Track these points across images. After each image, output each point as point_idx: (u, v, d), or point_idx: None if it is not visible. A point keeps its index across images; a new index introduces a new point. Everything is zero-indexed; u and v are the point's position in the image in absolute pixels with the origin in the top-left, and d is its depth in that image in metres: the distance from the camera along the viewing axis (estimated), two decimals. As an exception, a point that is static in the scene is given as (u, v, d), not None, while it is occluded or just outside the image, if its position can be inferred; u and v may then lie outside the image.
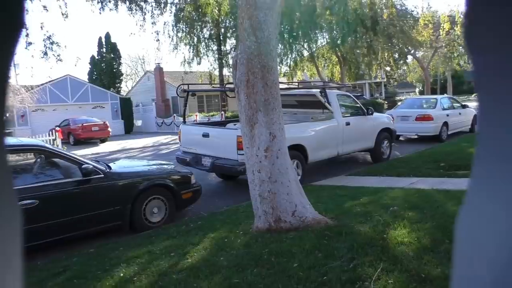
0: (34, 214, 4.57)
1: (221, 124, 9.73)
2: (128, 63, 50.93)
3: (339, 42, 21.26)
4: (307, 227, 4.15)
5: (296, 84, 10.68)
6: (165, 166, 6.70)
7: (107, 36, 36.70)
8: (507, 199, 0.39)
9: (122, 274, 3.46)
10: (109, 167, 5.64)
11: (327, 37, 22.69)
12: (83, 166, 5.11)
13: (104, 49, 36.91)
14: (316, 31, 21.57)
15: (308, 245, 3.58)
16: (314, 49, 24.66)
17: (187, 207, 6.25)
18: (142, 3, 9.66)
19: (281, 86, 9.91)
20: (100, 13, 8.96)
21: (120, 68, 38.57)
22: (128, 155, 15.30)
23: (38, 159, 5.44)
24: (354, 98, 9.96)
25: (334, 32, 20.27)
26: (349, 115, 8.98)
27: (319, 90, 8.57)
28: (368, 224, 4.13)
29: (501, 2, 0.38)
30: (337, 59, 25.99)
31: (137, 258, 3.86)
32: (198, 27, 22.21)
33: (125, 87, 43.01)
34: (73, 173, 5.15)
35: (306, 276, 2.98)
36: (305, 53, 24.61)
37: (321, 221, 4.29)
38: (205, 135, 7.73)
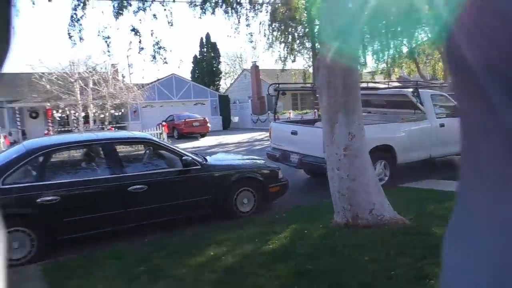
0: (143, 198, 5.35)
1: (310, 122, 10.01)
2: (227, 61, 53.30)
3: (440, 36, 20.03)
4: (384, 225, 4.28)
5: (387, 83, 10.51)
6: (256, 161, 7.18)
7: (207, 36, 38.94)
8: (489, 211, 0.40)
9: (212, 253, 3.99)
10: (206, 160, 6.28)
11: (428, 31, 21.50)
12: (183, 157, 5.80)
13: (205, 49, 39.26)
14: (416, 26, 20.59)
15: (382, 242, 3.75)
16: (413, 45, 23.54)
17: (274, 200, 6.66)
18: (237, 7, 10.32)
19: (371, 85, 9.85)
20: (200, 17, 9.78)
21: (219, 66, 40.71)
22: (224, 150, 16.31)
23: (147, 150, 6.30)
24: (452, 98, 9.52)
25: (436, 26, 19.16)
26: (444, 116, 8.64)
27: (411, 90, 8.40)
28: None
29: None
30: (439, 55, 24.47)
31: (226, 241, 4.37)
32: (292, 25, 22.59)
33: (224, 84, 45.23)
34: (175, 164, 5.87)
35: (374, 269, 3.18)
36: (404, 50, 23.60)
37: (399, 221, 4.39)
38: (294, 133, 8.09)
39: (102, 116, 22.43)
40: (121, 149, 6.14)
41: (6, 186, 4.72)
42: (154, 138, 6.54)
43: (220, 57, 40.87)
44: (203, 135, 23.06)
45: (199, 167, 5.90)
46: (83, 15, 6.78)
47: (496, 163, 0.40)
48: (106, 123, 22.43)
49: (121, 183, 5.31)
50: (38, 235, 4.77)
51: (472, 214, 0.43)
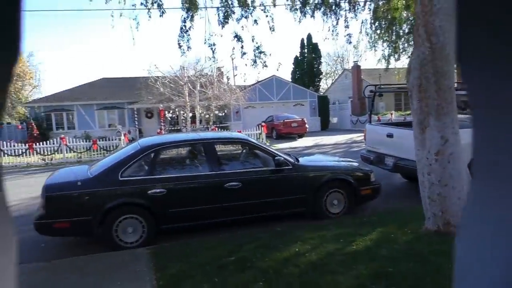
0: (237, 194, 5.76)
1: (407, 124, 9.64)
2: (328, 61, 52.85)
3: None
4: (479, 234, 4.06)
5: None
6: (349, 163, 7.19)
7: (309, 37, 39.08)
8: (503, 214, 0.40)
9: (297, 249, 4.20)
10: (297, 160, 6.50)
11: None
12: (275, 157, 6.09)
13: (306, 50, 39.47)
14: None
15: (473, 251, 3.59)
16: None
17: (365, 202, 6.63)
18: (336, 8, 10.34)
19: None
20: (299, 21, 10.01)
21: (319, 67, 40.61)
22: (321, 151, 16.35)
23: (243, 150, 6.73)
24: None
25: None
26: None
27: None
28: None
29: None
30: None
31: (312, 239, 4.55)
32: (396, 23, 21.69)
33: (324, 85, 44.97)
34: (268, 163, 6.19)
35: (460, 277, 3.08)
36: None
37: (497, 230, 4.12)
38: (389, 135, 7.90)
39: (207, 116, 24.00)
40: (220, 148, 6.66)
41: (124, 179, 5.46)
42: (250, 138, 6.95)
43: (321, 58, 40.77)
44: (301, 136, 23.32)
45: (291, 167, 6.14)
46: (190, 26, 7.46)
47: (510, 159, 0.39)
48: (211, 123, 23.94)
49: (218, 180, 5.78)
50: (148, 223, 5.44)
51: (486, 211, 0.42)
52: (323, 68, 43.12)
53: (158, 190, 5.49)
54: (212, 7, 8.79)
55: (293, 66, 40.58)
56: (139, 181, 5.55)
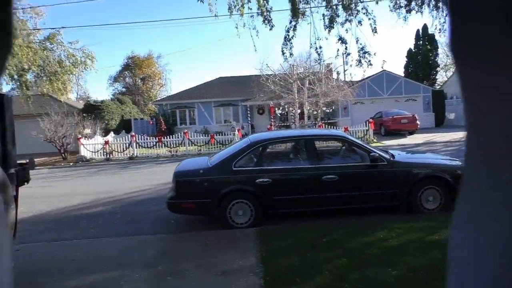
0: (334, 186, 6.38)
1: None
2: (447, 52, 49.19)
3: None
4: None
5: None
6: (448, 161, 7.26)
7: (424, 27, 36.97)
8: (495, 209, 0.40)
9: (382, 236, 4.71)
10: (393, 157, 6.85)
11: None
12: (371, 154, 6.55)
13: (421, 42, 37.48)
14: None
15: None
16: None
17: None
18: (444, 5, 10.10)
19: None
20: (404, 20, 10.04)
21: (436, 59, 38.24)
22: (431, 149, 15.86)
23: (341, 146, 7.30)
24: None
25: None
26: None
27: None
28: None
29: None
30: None
31: (398, 229, 5.00)
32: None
33: (442, 78, 42.15)
34: (364, 159, 6.67)
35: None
36: None
37: None
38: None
39: (315, 113, 24.66)
40: (320, 144, 7.33)
41: (236, 169, 6.47)
42: (347, 135, 7.46)
43: (438, 49, 38.33)
44: (411, 133, 22.56)
45: (385, 163, 6.54)
46: (293, 35, 8.20)
47: (504, 152, 0.39)
48: (318, 119, 24.54)
49: (317, 173, 6.46)
50: (255, 207, 6.36)
51: (479, 204, 0.42)
52: (442, 59, 40.39)
53: (264, 180, 6.37)
54: (317, 5, 9.32)
55: (406, 59, 38.88)
56: (249, 171, 6.50)
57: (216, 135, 20.80)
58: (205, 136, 21.37)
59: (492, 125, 0.40)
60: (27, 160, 4.68)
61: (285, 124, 26.74)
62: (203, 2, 7.36)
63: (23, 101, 18.70)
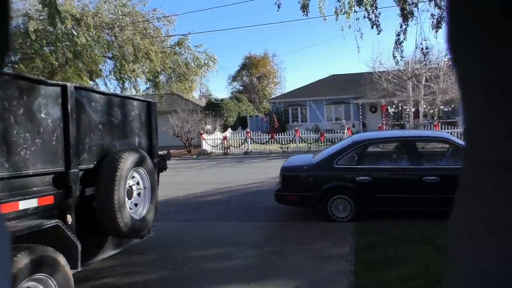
0: (434, 188, 6.49)
1: None
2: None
3: None
4: None
5: None
6: None
7: None
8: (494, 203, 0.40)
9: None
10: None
11: None
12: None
13: None
14: None
15: None
16: None
17: None
18: None
19: None
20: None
21: None
22: None
23: (444, 148, 7.32)
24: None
25: None
26: None
27: None
28: None
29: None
30: None
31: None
32: None
33: None
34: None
35: None
36: None
37: None
38: None
39: (431, 111, 23.47)
40: (422, 145, 7.44)
41: (338, 166, 6.98)
42: (451, 137, 7.39)
43: None
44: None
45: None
46: (404, 39, 8.32)
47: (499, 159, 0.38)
48: (435, 118, 23.31)
49: (417, 173, 6.64)
50: (355, 203, 6.80)
51: (477, 206, 0.43)
52: None
53: (364, 178, 6.78)
54: (425, 6, 9.22)
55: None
56: (350, 169, 6.96)
57: (326, 133, 21.24)
58: (315, 134, 21.97)
59: (491, 124, 0.39)
60: (165, 152, 5.87)
61: (399, 123, 25.92)
62: (307, 15, 7.94)
63: (157, 99, 21.44)
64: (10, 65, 19.01)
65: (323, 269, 4.61)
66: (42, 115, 3.20)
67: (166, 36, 20.89)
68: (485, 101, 0.41)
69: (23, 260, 2.60)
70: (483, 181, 0.44)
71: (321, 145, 20.01)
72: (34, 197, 3.07)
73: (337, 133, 21.14)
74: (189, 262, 5.04)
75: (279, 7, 7.80)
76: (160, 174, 5.50)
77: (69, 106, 3.44)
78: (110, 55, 19.29)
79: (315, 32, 75.05)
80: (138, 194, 4.39)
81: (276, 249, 5.39)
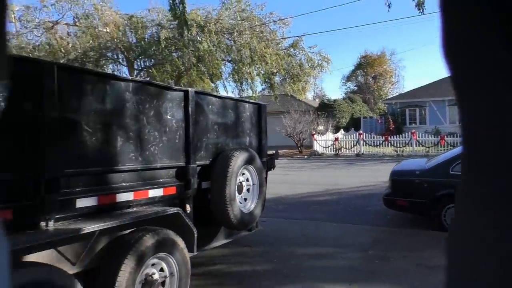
0: None
1: None
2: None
3: None
4: None
5: None
6: None
7: None
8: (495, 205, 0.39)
9: None
10: None
11: None
12: None
13: None
14: None
15: None
16: None
17: None
18: None
19: None
20: None
21: None
22: None
23: None
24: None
25: None
26: None
27: None
28: None
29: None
30: None
31: None
32: None
33: None
34: None
35: None
36: None
37: None
38: None
39: None
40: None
41: (454, 173, 6.53)
42: None
43: None
44: None
45: None
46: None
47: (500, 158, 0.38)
48: None
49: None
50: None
51: (478, 210, 0.41)
52: None
53: None
54: None
55: None
56: (456, 176, 6.46)
57: (447, 137, 19.70)
58: (435, 137, 20.52)
59: (489, 131, 0.39)
60: (274, 152, 6.18)
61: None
62: (422, 13, 7.54)
63: (272, 100, 22.20)
64: (144, 69, 21.51)
65: (429, 278, 4.42)
66: (168, 116, 3.70)
67: (282, 38, 21.47)
68: (484, 107, 0.40)
69: (150, 240, 3.06)
70: (485, 189, 0.42)
71: (440, 149, 18.64)
72: (160, 187, 3.57)
73: (459, 137, 19.41)
74: (294, 258, 5.25)
75: (389, 7, 7.58)
76: (270, 172, 5.81)
77: (190, 109, 3.90)
78: (229, 59, 20.55)
79: (435, 28, 69.58)
80: (247, 190, 4.74)
81: (382, 253, 5.30)
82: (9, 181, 2.37)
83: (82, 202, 2.82)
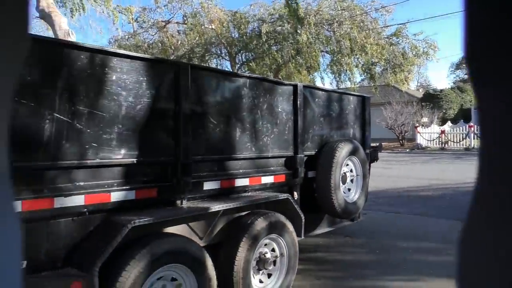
0: None
1: None
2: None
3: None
4: None
5: None
6: None
7: None
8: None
9: None
10: None
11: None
12: None
13: None
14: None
15: None
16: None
17: None
18: None
19: None
20: None
21: None
22: None
23: None
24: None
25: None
26: None
27: None
28: None
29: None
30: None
31: None
32: None
33: None
34: None
35: None
36: None
37: None
38: None
39: None
40: None
41: None
42: None
43: None
44: None
45: None
46: None
47: None
48: None
49: None
50: None
51: (491, 213, 0.41)
52: None
53: None
54: None
55: None
56: None
57: None
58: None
59: (509, 138, 0.38)
60: (377, 144, 6.17)
61: None
62: None
63: (372, 91, 21.60)
64: (245, 63, 22.37)
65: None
66: (279, 109, 3.98)
67: (384, 26, 20.72)
68: (505, 114, 0.40)
69: (263, 222, 3.38)
70: (503, 197, 0.41)
71: None
72: (271, 175, 3.89)
73: None
74: (396, 250, 5.26)
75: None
76: (372, 165, 5.84)
77: (298, 102, 4.14)
78: (328, 50, 20.43)
79: None
80: (351, 181, 4.86)
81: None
82: (155, 165, 2.85)
83: (208, 185, 3.23)
